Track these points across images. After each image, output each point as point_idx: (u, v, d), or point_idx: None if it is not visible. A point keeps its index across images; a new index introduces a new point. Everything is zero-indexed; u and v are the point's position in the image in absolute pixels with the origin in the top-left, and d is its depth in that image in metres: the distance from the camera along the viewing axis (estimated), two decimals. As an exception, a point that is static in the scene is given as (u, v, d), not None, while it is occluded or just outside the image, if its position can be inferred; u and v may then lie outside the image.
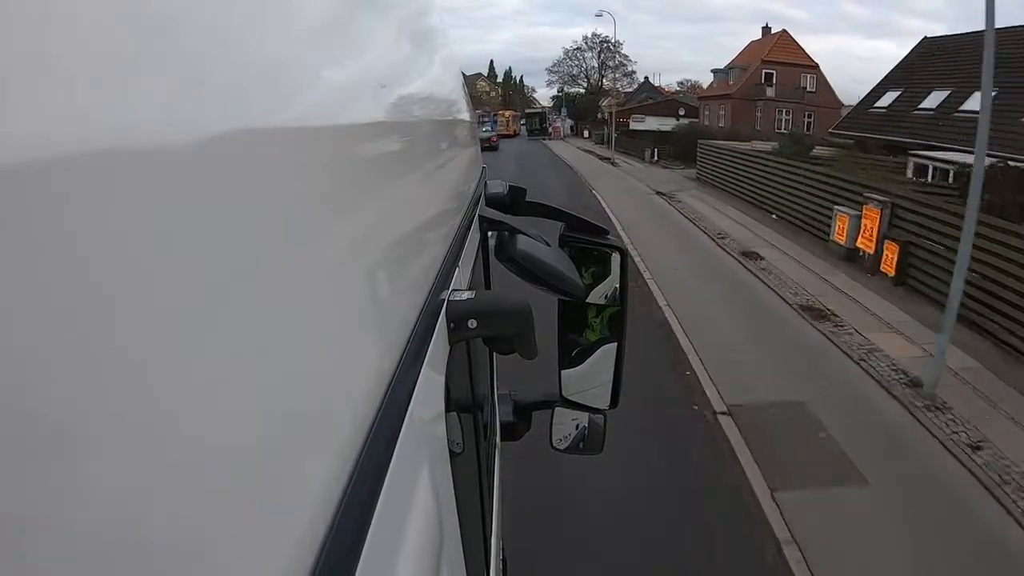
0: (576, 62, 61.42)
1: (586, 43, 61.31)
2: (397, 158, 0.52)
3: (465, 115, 1.18)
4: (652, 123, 36.26)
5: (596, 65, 60.85)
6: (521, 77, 78.84)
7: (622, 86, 56.63)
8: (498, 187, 1.24)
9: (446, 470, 0.52)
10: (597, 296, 1.16)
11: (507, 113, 51.01)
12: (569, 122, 53.69)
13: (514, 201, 1.22)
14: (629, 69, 60.00)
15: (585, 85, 60.24)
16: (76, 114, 0.16)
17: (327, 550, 0.26)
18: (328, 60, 0.39)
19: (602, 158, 29.42)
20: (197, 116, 0.21)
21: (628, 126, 40.00)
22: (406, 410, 0.39)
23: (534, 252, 0.85)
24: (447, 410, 0.54)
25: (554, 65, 62.55)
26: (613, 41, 58.61)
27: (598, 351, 1.19)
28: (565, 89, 61.59)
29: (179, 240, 0.19)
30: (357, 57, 0.47)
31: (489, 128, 46.87)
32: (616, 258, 1.16)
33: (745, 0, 78.89)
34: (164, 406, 0.18)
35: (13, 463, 0.13)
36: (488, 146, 38.87)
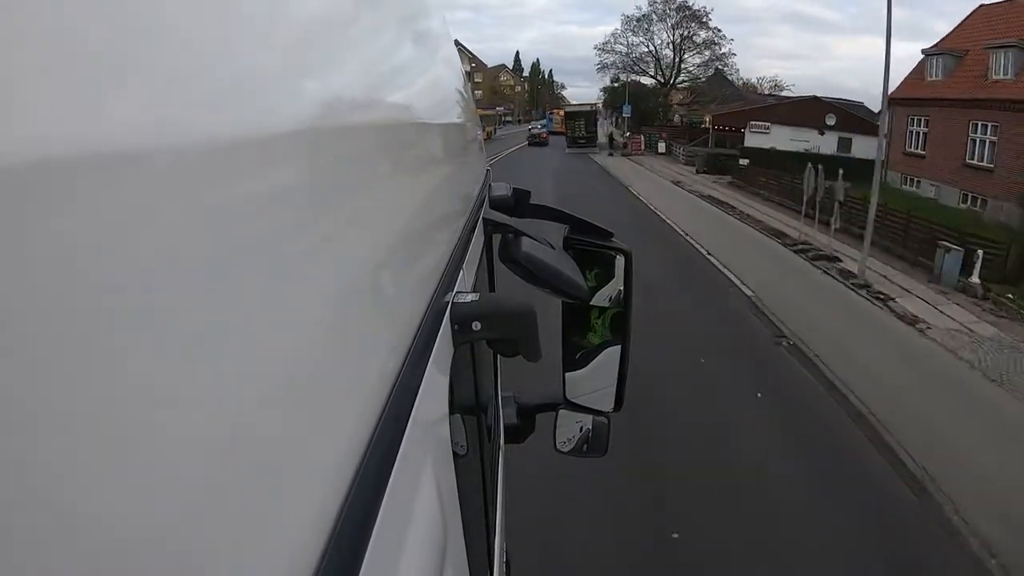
0: (643, 38, 41.72)
1: (655, 11, 41.02)
2: (401, 161, 0.52)
3: (470, 118, 1.18)
4: (779, 135, 20.91)
5: (672, 41, 40.71)
6: (551, 72, 69.45)
7: (705, 76, 39.83)
8: (502, 190, 1.24)
9: (450, 472, 0.52)
10: (601, 298, 1.15)
11: (561, 112, 46.70)
12: (611, 128, 37.98)
13: (518, 203, 1.21)
14: (721, 51, 39.99)
15: (653, 72, 41.91)
16: (91, 114, 0.16)
17: (331, 551, 0.26)
18: (332, 62, 0.39)
19: (796, 247, 12.12)
20: (199, 117, 0.22)
21: (723, 133, 26.41)
22: (410, 412, 0.39)
23: (538, 254, 0.85)
24: (451, 412, 0.54)
25: (606, 43, 43.99)
26: (698, 8, 40.02)
27: (602, 354, 1.18)
28: (621, 78, 42.87)
29: (184, 241, 0.19)
30: (360, 59, 0.47)
31: (545, 124, 46.57)
32: (620, 260, 1.15)
33: (777, 1, 73.95)
34: (168, 407, 0.18)
35: (14, 462, 0.13)
36: (538, 141, 37.82)
